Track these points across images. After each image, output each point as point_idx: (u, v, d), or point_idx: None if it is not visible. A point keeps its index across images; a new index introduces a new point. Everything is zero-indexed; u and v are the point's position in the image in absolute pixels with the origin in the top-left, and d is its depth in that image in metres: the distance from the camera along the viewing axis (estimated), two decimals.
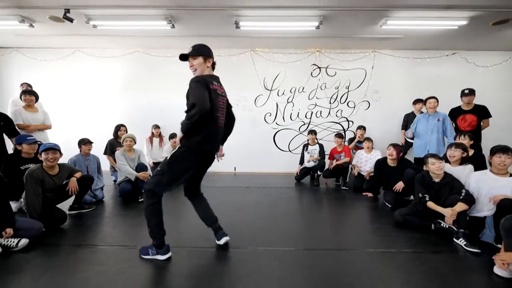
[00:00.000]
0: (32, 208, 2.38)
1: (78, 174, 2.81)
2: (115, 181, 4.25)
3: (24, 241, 2.07)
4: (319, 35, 4.33)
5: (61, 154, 2.61)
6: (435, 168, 2.54)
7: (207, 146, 1.87)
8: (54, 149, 2.52)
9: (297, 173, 4.61)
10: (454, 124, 3.84)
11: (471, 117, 3.75)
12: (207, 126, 1.82)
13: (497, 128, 4.97)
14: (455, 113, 3.86)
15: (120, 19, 3.71)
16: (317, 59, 5.20)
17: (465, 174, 2.59)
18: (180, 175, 1.88)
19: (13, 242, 2.04)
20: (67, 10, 3.42)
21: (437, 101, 3.65)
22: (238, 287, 1.63)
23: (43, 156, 2.50)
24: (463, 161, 2.69)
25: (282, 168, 5.31)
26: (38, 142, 3.00)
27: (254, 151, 5.28)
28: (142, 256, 1.95)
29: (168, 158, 1.87)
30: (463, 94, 3.75)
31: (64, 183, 2.71)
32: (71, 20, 3.49)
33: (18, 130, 3.66)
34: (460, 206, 2.31)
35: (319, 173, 4.47)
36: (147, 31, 4.22)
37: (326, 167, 4.52)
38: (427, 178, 2.61)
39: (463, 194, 2.35)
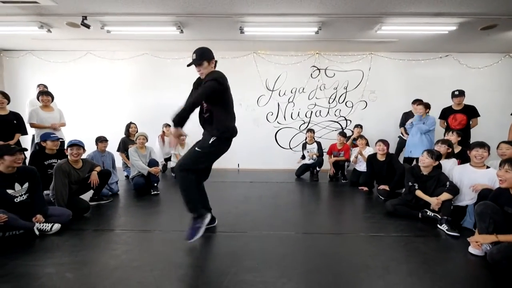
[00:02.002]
0: (61, 197, 2.66)
1: (98, 168, 3.09)
2: (127, 176, 4.53)
3: (57, 226, 2.35)
4: (318, 38, 4.58)
5: (84, 150, 2.89)
6: (420, 161, 2.82)
7: (235, 134, 2.24)
8: (78, 145, 2.80)
9: (298, 163, 4.94)
10: (445, 123, 4.10)
11: (461, 117, 4.02)
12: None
13: (488, 127, 5.24)
14: (446, 112, 4.14)
15: (133, 25, 3.98)
16: (316, 61, 5.46)
17: (449, 167, 2.86)
18: (214, 160, 2.24)
19: (48, 226, 2.32)
20: (85, 17, 3.69)
21: (426, 107, 3.91)
22: (247, 262, 1.91)
23: (68, 151, 2.78)
24: (447, 156, 2.96)
25: (283, 165, 5.58)
26: (61, 139, 3.28)
27: (256, 148, 5.55)
28: (192, 238, 2.05)
29: (211, 142, 2.08)
30: (453, 95, 4.02)
31: (86, 176, 2.99)
32: (88, 26, 3.76)
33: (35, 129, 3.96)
34: (445, 196, 2.58)
35: (318, 169, 4.74)
36: (157, 36, 4.49)
37: (325, 163, 4.80)
38: (416, 170, 2.88)
39: (447, 185, 2.63)
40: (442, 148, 2.96)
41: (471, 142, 4.01)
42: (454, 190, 2.60)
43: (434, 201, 2.63)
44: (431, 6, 3.40)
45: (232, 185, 4.36)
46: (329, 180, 4.64)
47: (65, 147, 2.82)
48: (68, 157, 2.80)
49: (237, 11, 3.58)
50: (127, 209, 3.17)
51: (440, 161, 2.88)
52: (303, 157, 4.95)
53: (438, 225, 2.55)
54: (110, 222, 2.72)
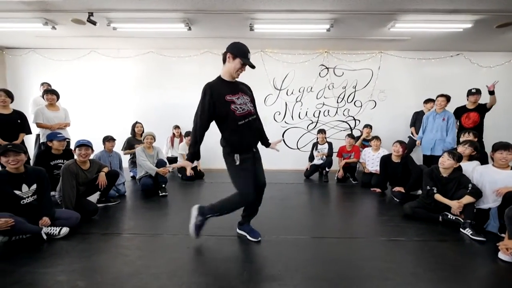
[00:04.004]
0: (68, 199, 2.56)
1: (105, 169, 2.99)
2: (133, 177, 4.43)
3: (65, 230, 2.25)
4: (327, 36, 4.48)
5: (92, 150, 2.79)
6: (440, 163, 2.71)
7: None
8: (87, 145, 2.71)
9: (307, 168, 4.79)
10: (458, 122, 4.01)
11: (474, 115, 3.94)
12: None
13: (500, 126, 5.16)
14: (459, 111, 4.04)
15: (140, 21, 3.88)
16: (325, 59, 5.36)
17: (471, 169, 2.76)
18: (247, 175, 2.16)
19: (56, 230, 2.23)
20: (91, 14, 3.59)
21: (447, 100, 3.82)
22: (268, 269, 1.81)
23: (76, 152, 2.68)
24: (471, 158, 2.86)
25: (290, 165, 5.48)
26: (67, 139, 3.18)
27: (263, 148, 5.41)
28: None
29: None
30: (470, 93, 3.92)
31: (93, 177, 2.89)
32: (94, 23, 3.66)
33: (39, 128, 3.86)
34: (467, 199, 2.48)
35: (327, 169, 4.64)
36: (164, 33, 4.39)
37: (334, 164, 4.70)
38: (435, 172, 2.77)
39: (470, 187, 2.53)
40: (467, 150, 2.85)
41: (483, 141, 4.01)
42: (477, 193, 2.50)
43: (456, 205, 2.53)
44: (447, 2, 3.30)
45: None
46: (337, 181, 4.53)
47: (73, 148, 2.72)
48: (76, 157, 2.70)
49: (248, 8, 3.48)
50: (136, 211, 3.07)
51: (463, 163, 2.78)
52: (311, 158, 4.85)
53: (461, 229, 2.45)
54: (120, 225, 2.62)
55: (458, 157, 2.68)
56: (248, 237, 2.23)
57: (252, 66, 1.93)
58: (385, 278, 1.72)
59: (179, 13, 3.66)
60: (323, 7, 3.45)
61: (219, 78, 2.01)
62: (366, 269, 1.82)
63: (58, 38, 4.73)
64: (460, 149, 2.90)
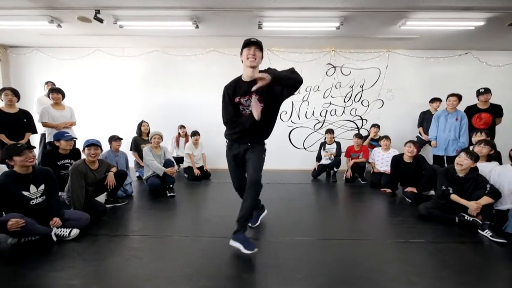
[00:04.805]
0: (77, 199, 2.51)
1: (114, 169, 2.94)
2: (139, 177, 4.37)
3: (75, 231, 2.20)
4: (335, 35, 4.42)
5: (101, 149, 2.74)
6: (457, 162, 2.64)
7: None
8: (96, 145, 2.65)
9: (314, 168, 4.73)
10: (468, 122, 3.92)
11: (486, 116, 3.84)
12: None
13: (508, 126, 5.09)
14: (470, 111, 3.95)
15: (147, 19, 3.82)
16: (332, 58, 5.30)
17: (488, 170, 2.70)
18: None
19: (66, 232, 2.17)
20: (98, 11, 3.53)
21: (459, 99, 3.75)
22: (288, 273, 1.75)
23: (86, 151, 2.62)
24: (489, 158, 2.80)
25: (296, 165, 5.43)
26: (74, 139, 3.12)
27: (269, 148, 5.31)
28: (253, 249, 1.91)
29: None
30: (479, 93, 3.84)
31: (102, 177, 2.83)
32: (101, 20, 3.60)
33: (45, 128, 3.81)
34: (485, 200, 2.43)
35: (335, 169, 4.58)
36: (171, 31, 4.32)
37: (342, 164, 4.64)
38: (451, 172, 2.72)
39: (488, 188, 2.47)
40: (484, 150, 2.79)
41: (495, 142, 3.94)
42: (496, 194, 2.45)
43: (474, 206, 2.47)
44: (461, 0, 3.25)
45: None
46: (345, 181, 4.48)
47: (82, 147, 2.66)
48: (85, 157, 2.65)
49: (258, 5, 3.42)
50: (145, 212, 3.01)
51: (481, 164, 2.72)
52: (319, 158, 4.79)
53: (480, 231, 2.39)
54: (129, 226, 2.57)
55: (476, 157, 2.62)
56: (242, 249, 1.90)
57: (252, 40, 1.84)
58: (410, 282, 1.66)
59: (187, 11, 3.60)
60: (334, 4, 3.39)
61: (239, 78, 1.99)
62: (389, 273, 1.77)
63: (63, 36, 4.67)
64: (477, 149, 2.84)
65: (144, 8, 3.51)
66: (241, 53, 1.88)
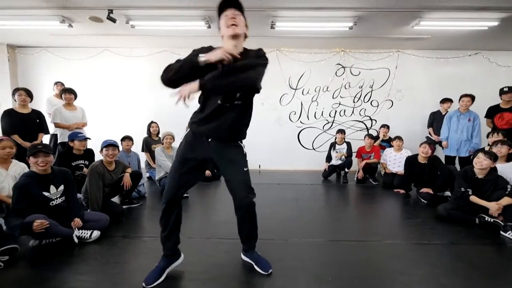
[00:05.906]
0: (95, 200, 2.49)
1: (129, 170, 2.92)
2: (149, 177, 4.35)
3: (96, 233, 2.17)
4: (346, 35, 4.41)
5: (119, 150, 2.71)
6: (476, 163, 2.62)
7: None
8: (114, 145, 2.63)
9: (325, 169, 4.71)
10: (491, 123, 3.86)
11: (509, 115, 3.69)
12: None
13: None
14: (492, 111, 3.86)
15: (159, 19, 3.80)
16: (341, 58, 5.28)
17: (509, 170, 2.68)
18: None
19: (87, 234, 2.15)
20: (111, 11, 3.51)
21: (472, 100, 3.72)
22: (318, 276, 1.73)
23: (104, 152, 2.60)
24: (509, 158, 2.78)
25: (305, 165, 5.41)
26: (88, 139, 3.10)
27: (278, 149, 5.38)
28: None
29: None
30: (502, 92, 3.73)
31: (118, 178, 2.81)
32: (114, 20, 3.58)
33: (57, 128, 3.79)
34: (507, 200, 2.41)
35: (346, 170, 4.56)
36: (181, 31, 4.30)
37: (353, 164, 4.62)
38: (470, 173, 2.70)
39: (509, 189, 2.45)
40: (503, 149, 2.78)
41: None
42: None
43: (495, 207, 2.46)
44: None
45: (260, 187, 4.18)
46: (356, 182, 4.46)
47: (100, 148, 2.64)
48: (103, 158, 2.63)
49: (272, 5, 3.40)
50: (160, 213, 2.97)
51: (501, 164, 2.70)
52: (329, 159, 4.77)
53: (502, 232, 2.37)
54: (148, 228, 2.54)
55: (494, 157, 2.61)
56: (256, 267, 1.76)
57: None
58: (441, 284, 1.64)
59: (200, 11, 3.58)
60: (348, 4, 3.37)
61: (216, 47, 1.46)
62: (418, 275, 1.75)
63: (72, 36, 4.65)
64: (495, 149, 2.82)
65: (157, 8, 3.49)
66: (219, 27, 1.49)
